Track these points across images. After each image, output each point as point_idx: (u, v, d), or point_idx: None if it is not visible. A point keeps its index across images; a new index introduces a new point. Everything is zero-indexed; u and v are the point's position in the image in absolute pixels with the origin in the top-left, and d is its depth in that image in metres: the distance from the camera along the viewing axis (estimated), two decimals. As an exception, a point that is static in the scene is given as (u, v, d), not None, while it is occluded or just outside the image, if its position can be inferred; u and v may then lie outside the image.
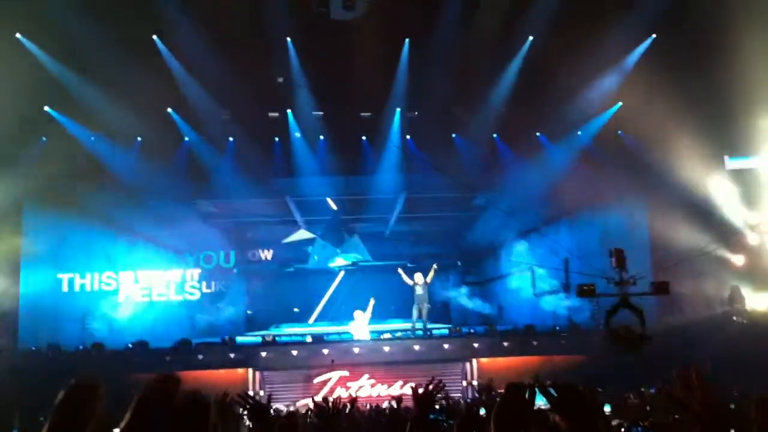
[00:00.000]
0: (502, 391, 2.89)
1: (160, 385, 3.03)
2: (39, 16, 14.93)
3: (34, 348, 16.11)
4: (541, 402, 2.87)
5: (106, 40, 15.15)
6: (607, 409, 9.08)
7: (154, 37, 16.59)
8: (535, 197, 19.82)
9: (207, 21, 15.86)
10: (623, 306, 11.36)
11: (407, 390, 15.23)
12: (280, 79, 18.18)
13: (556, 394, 2.63)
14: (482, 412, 8.83)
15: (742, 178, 16.41)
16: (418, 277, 17.39)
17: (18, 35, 15.58)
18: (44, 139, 17.22)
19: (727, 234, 16.04)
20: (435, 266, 17.24)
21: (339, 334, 18.17)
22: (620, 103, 17.06)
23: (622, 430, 7.74)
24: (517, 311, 22.00)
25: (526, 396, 2.79)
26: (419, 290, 17.14)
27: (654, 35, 16.25)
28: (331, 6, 16.25)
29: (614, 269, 11.57)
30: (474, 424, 4.17)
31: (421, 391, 3.68)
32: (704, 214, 15.80)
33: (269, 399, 4.94)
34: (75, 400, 2.93)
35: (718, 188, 16.09)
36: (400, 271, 17.59)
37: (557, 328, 17.46)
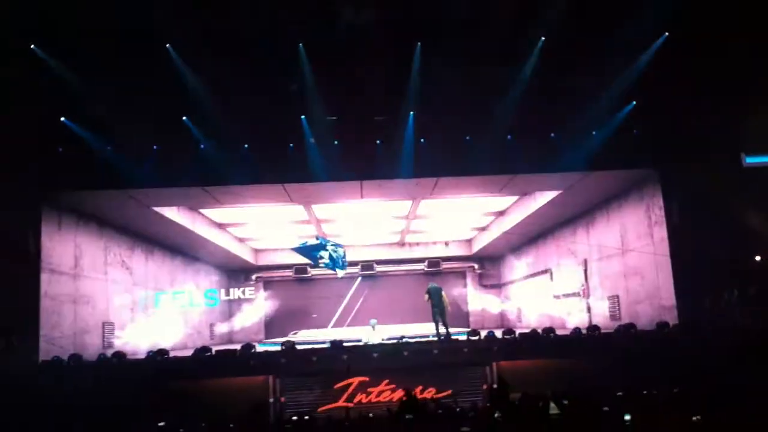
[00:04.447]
0: (518, 395, 2.85)
1: None
2: (55, 24, 15.03)
3: (54, 358, 16.18)
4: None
5: (122, 49, 15.21)
6: (627, 417, 8.94)
7: (168, 45, 16.63)
8: (551, 198, 19.73)
9: (218, 28, 15.90)
10: None
11: (427, 395, 15.27)
12: (294, 86, 18.20)
13: (567, 404, 2.62)
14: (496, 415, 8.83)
15: (760, 176, 16.19)
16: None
17: (32, 46, 15.68)
18: (60, 149, 17.25)
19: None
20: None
21: (357, 339, 18.20)
22: (634, 102, 16.90)
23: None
24: (536, 313, 21.88)
25: (540, 405, 2.77)
26: (435, 296, 17.58)
27: (667, 33, 16.09)
28: (343, 10, 16.31)
29: None
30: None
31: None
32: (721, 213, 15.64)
33: None
34: None
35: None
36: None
37: (577, 330, 17.32)
